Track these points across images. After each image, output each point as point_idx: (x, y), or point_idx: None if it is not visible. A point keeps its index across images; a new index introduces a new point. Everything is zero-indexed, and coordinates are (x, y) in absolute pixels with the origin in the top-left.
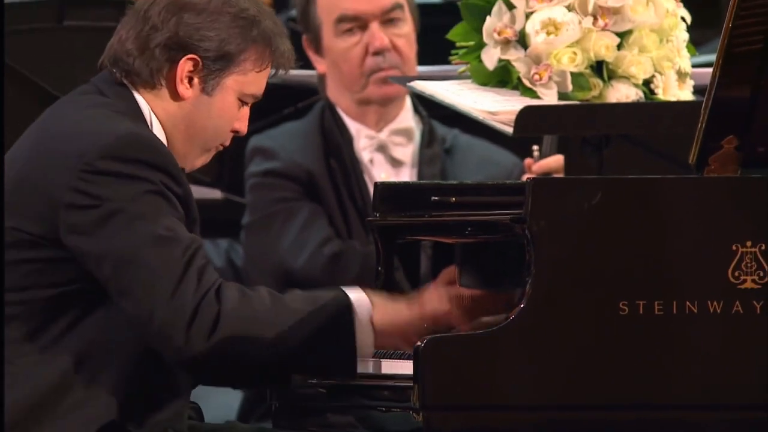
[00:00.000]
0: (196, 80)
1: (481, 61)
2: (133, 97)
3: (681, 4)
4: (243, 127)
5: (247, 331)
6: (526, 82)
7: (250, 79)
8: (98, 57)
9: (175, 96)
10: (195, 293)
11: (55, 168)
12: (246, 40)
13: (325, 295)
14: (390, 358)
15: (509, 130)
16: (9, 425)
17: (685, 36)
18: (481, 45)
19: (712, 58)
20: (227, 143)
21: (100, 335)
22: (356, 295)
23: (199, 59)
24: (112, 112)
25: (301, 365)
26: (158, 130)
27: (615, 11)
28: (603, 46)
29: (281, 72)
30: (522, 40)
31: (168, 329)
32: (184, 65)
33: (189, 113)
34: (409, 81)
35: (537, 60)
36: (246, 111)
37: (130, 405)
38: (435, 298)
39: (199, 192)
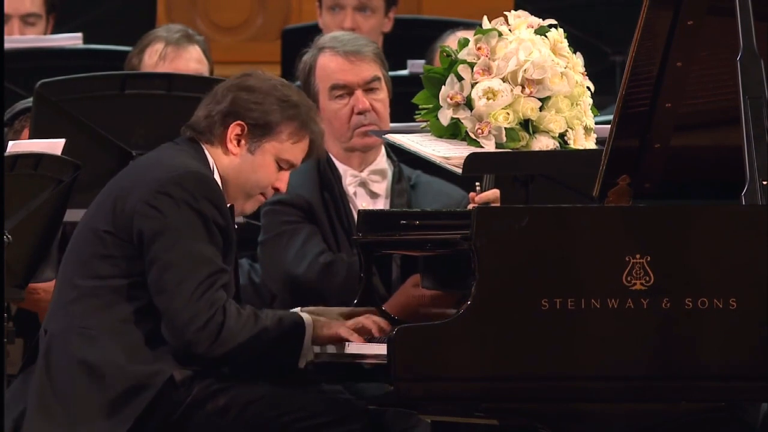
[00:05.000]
0: (243, 141)
1: (438, 119)
2: (202, 149)
3: (587, 77)
4: (283, 187)
5: (237, 340)
6: (472, 135)
7: (285, 147)
8: (151, 116)
9: (227, 151)
10: (211, 305)
11: (139, 188)
12: (283, 116)
13: (287, 319)
14: (371, 342)
15: (459, 171)
16: (93, 373)
17: (590, 101)
18: (437, 107)
19: (610, 117)
20: (269, 195)
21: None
22: (307, 319)
23: (245, 125)
24: (186, 155)
25: (266, 362)
26: (217, 176)
27: (538, 82)
28: (529, 108)
29: (315, 149)
30: (468, 104)
31: (186, 327)
32: (234, 129)
33: (237, 165)
34: (384, 134)
35: (480, 118)
36: (285, 174)
37: (181, 358)
38: (341, 329)
39: None
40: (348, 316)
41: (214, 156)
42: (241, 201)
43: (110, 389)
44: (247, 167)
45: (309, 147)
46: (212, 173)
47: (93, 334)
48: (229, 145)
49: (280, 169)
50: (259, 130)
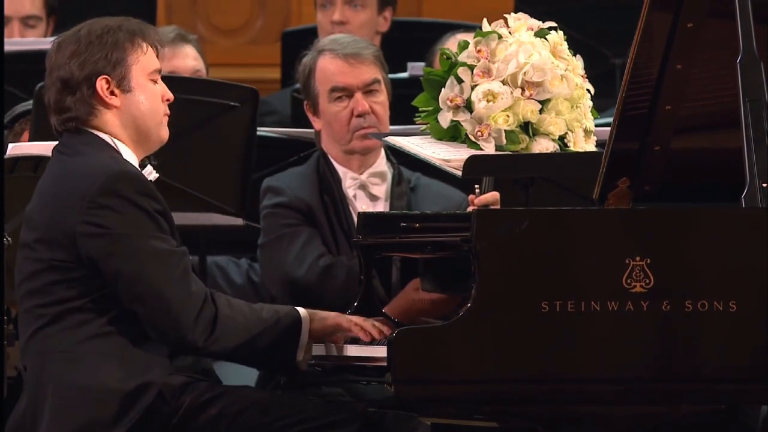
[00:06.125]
0: (115, 90)
1: (438, 121)
2: (94, 135)
3: (587, 80)
4: (169, 95)
5: (233, 331)
6: (472, 138)
7: (143, 63)
8: None
9: (109, 107)
10: (197, 296)
11: (69, 209)
12: (120, 43)
13: (283, 310)
14: (371, 344)
15: (459, 173)
16: (84, 393)
17: (590, 103)
18: (437, 109)
19: (610, 120)
20: (167, 112)
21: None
22: (303, 311)
23: (106, 76)
24: (92, 153)
25: (264, 355)
26: (122, 146)
27: (538, 85)
28: (529, 110)
29: (159, 46)
30: (468, 106)
31: (179, 324)
32: (101, 85)
33: (128, 112)
34: (384, 136)
35: (479, 121)
36: (162, 85)
37: (166, 355)
38: (340, 318)
39: (226, 220)
40: None
41: (107, 129)
42: (156, 134)
43: (101, 408)
44: (137, 105)
45: (152, 45)
46: (119, 153)
47: (74, 356)
48: (109, 101)
49: (155, 83)
50: (118, 69)
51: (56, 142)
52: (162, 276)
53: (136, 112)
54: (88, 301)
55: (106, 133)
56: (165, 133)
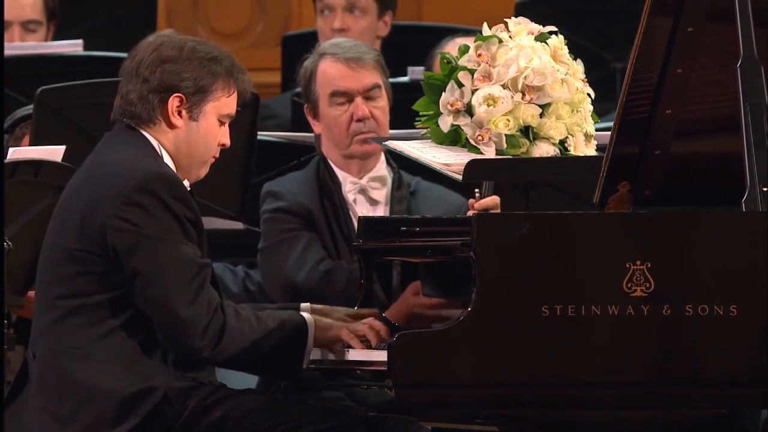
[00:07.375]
0: (183, 112)
1: (438, 125)
2: (143, 136)
3: (587, 84)
4: (227, 141)
5: (239, 343)
6: (472, 142)
7: (222, 104)
8: None
9: (171, 126)
10: (208, 307)
11: (103, 202)
12: (214, 75)
13: (288, 318)
14: (372, 348)
15: (459, 177)
16: (88, 392)
17: (590, 107)
18: (438, 114)
19: (610, 124)
20: (217, 155)
21: (151, 323)
22: (308, 318)
23: (182, 96)
24: (135, 151)
25: (270, 365)
26: (166, 157)
27: (538, 89)
28: (529, 114)
29: (244, 95)
30: (469, 110)
31: (187, 333)
32: (173, 102)
33: (185, 137)
34: (384, 141)
35: (480, 125)
36: (226, 129)
37: (176, 367)
38: (340, 330)
39: (226, 223)
40: (354, 317)
41: (158, 138)
42: (196, 170)
43: (106, 407)
44: (195, 135)
45: (238, 95)
46: (162, 159)
47: (84, 353)
48: (173, 120)
49: (221, 124)
50: (197, 96)
51: (56, 147)
52: (177, 282)
53: (191, 141)
54: (105, 299)
55: (155, 140)
56: (203, 173)
